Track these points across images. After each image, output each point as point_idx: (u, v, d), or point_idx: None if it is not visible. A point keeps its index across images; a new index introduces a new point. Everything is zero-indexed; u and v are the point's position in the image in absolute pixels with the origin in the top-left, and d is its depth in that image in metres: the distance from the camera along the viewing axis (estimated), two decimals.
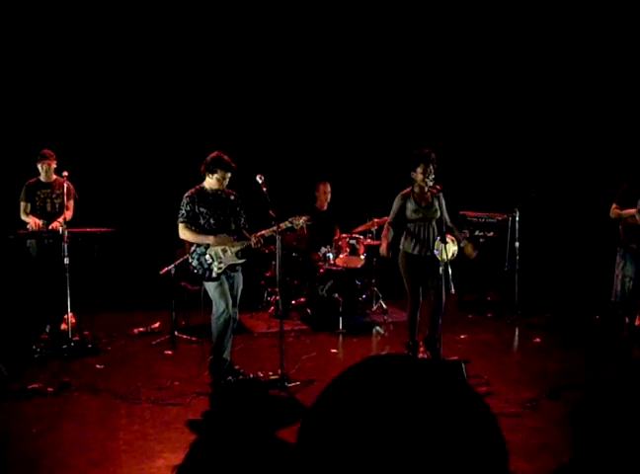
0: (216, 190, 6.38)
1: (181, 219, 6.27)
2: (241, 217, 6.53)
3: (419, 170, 6.92)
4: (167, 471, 4.54)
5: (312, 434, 0.87)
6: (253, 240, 6.29)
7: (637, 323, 8.17)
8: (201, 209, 6.29)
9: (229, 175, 6.32)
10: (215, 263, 6.22)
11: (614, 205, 8.05)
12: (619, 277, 8.07)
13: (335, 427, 0.84)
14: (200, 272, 6.26)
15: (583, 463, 2.12)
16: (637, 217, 7.81)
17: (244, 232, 6.48)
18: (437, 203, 6.98)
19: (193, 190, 6.36)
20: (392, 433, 0.82)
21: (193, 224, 6.26)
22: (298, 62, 10.68)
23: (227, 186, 6.43)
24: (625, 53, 10.59)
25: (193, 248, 6.35)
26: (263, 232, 6.34)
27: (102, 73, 9.80)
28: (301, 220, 6.49)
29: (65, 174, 7.29)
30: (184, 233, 6.30)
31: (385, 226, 7.21)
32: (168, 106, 10.13)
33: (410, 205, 6.99)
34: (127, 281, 9.51)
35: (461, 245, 7.09)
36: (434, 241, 6.92)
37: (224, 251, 6.26)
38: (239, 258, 6.37)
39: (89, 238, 7.59)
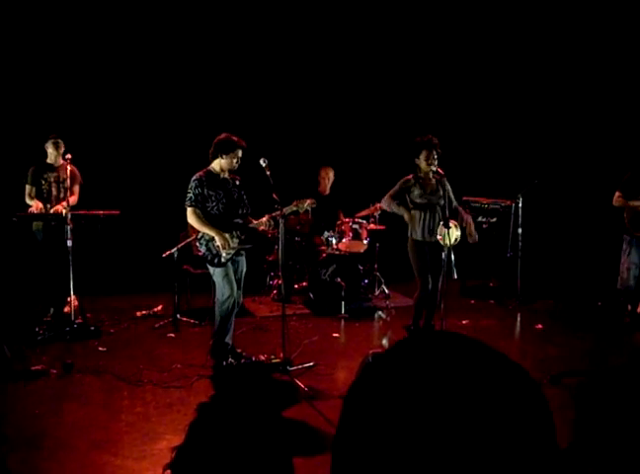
0: (224, 174, 6.35)
1: (188, 203, 6.19)
2: (246, 202, 6.53)
3: (422, 156, 6.94)
4: (169, 453, 4.51)
5: (356, 419, 0.86)
6: (265, 221, 6.29)
7: (639, 310, 8.18)
8: (210, 192, 6.23)
9: (241, 153, 6.29)
10: (223, 249, 6.21)
11: (618, 193, 8.04)
12: (625, 265, 8.07)
13: (378, 412, 0.83)
14: (209, 257, 6.23)
15: (581, 449, 2.13)
16: None
17: (249, 218, 6.48)
18: (441, 189, 6.98)
19: (201, 172, 6.29)
20: (442, 416, 0.81)
21: (200, 208, 6.20)
22: (302, 48, 10.64)
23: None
24: (627, 43, 10.55)
25: (200, 234, 6.31)
26: (271, 215, 6.33)
27: (108, 58, 9.78)
28: (306, 204, 6.48)
29: (69, 156, 7.23)
30: (191, 218, 6.22)
31: (386, 200, 7.17)
32: (173, 90, 10.11)
33: (415, 191, 7.00)
34: (131, 264, 9.52)
35: (463, 225, 7.09)
36: (437, 226, 6.94)
37: (232, 237, 6.25)
38: (245, 243, 6.37)
39: (93, 220, 7.59)
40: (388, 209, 7.20)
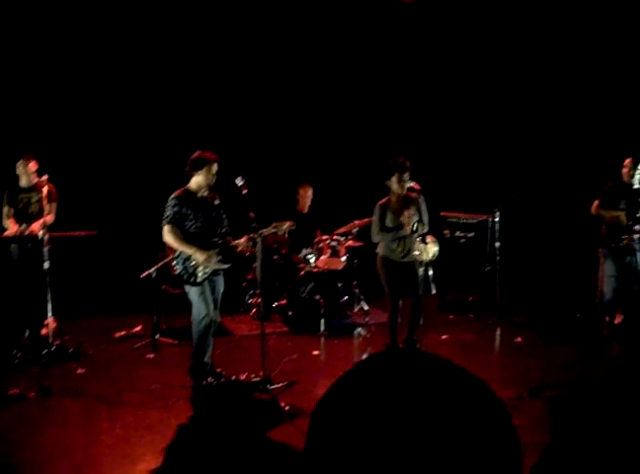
0: (203, 192, 6.36)
1: (166, 221, 6.18)
2: (224, 221, 6.53)
3: (394, 179, 7.10)
4: None
5: (321, 438, 0.88)
6: (244, 242, 6.30)
7: (617, 321, 8.26)
8: (188, 211, 6.22)
9: (216, 167, 6.30)
10: (200, 268, 6.20)
11: (597, 202, 8.16)
12: (604, 279, 8.16)
13: (344, 427, 0.85)
14: (186, 276, 6.22)
15: (554, 460, 2.16)
16: (622, 219, 7.93)
17: (228, 237, 6.48)
18: (413, 208, 7.07)
19: (179, 191, 6.30)
20: (405, 431, 0.83)
21: (178, 227, 6.19)
22: (279, 67, 10.71)
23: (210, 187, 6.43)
24: (603, 55, 10.68)
25: (177, 252, 6.28)
26: (249, 236, 6.33)
27: (83, 76, 9.77)
28: (285, 226, 6.52)
29: (45, 177, 7.21)
30: (168, 237, 6.19)
31: (376, 235, 7.22)
32: (150, 110, 10.11)
33: (388, 214, 7.11)
34: (109, 285, 9.48)
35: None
36: (412, 248, 7.00)
37: (210, 256, 6.24)
38: (224, 263, 6.37)
39: (71, 242, 7.56)
40: (384, 241, 7.24)
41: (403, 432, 0.87)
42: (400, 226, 7.04)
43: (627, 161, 8.09)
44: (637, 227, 7.93)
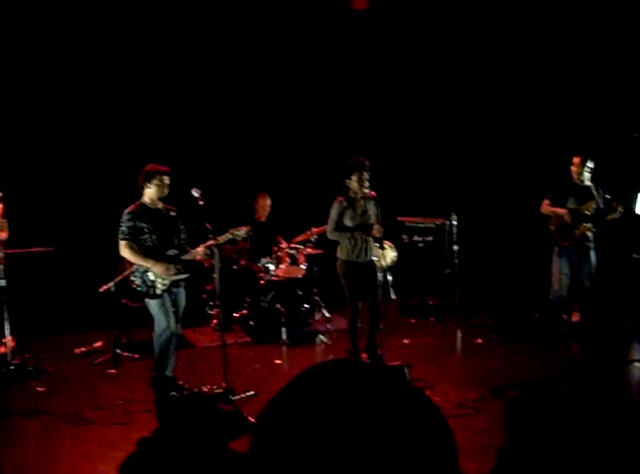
0: (157, 205, 6.35)
1: (121, 237, 6.16)
2: (181, 233, 6.52)
3: (354, 178, 7.05)
4: None
5: (262, 444, 0.90)
6: (200, 251, 6.28)
7: (574, 319, 8.39)
8: (142, 224, 6.21)
9: (167, 179, 6.30)
10: (159, 280, 6.18)
11: (546, 202, 8.28)
12: (556, 276, 8.28)
13: (284, 436, 0.87)
14: (144, 290, 6.20)
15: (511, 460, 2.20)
16: (566, 218, 8.06)
17: (186, 247, 6.46)
18: (371, 211, 7.09)
19: (133, 206, 6.29)
20: (341, 437, 0.85)
21: (134, 241, 6.17)
22: (232, 75, 10.70)
23: (165, 199, 6.41)
24: (549, 57, 10.86)
25: (135, 266, 6.26)
26: (206, 244, 6.32)
27: (35, 90, 9.65)
28: (242, 231, 6.49)
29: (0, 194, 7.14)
30: (125, 251, 6.17)
31: (332, 232, 7.20)
32: (104, 124, 10.04)
33: (347, 213, 7.09)
34: (68, 301, 9.37)
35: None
36: (371, 247, 7.04)
37: (168, 268, 6.22)
38: (182, 273, 6.36)
39: (27, 258, 7.47)
40: (339, 239, 7.24)
41: (340, 437, 0.90)
42: (359, 227, 7.03)
43: (576, 159, 8.23)
44: (587, 224, 8.06)
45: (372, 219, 7.07)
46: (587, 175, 8.20)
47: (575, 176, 8.23)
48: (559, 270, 8.22)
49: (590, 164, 8.17)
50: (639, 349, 8.11)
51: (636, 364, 7.29)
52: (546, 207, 8.28)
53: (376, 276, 6.95)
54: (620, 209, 7.97)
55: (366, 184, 7.03)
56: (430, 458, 0.86)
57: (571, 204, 8.14)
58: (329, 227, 7.20)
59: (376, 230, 6.94)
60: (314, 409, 0.86)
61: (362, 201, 7.17)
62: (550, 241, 8.32)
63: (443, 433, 0.88)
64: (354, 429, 0.83)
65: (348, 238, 7.08)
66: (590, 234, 8.17)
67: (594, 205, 8.08)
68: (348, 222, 7.09)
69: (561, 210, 8.12)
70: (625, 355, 7.70)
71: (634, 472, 2.74)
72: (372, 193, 6.97)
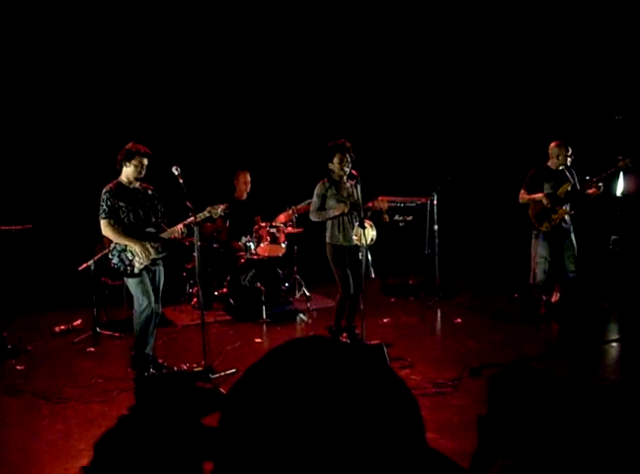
0: (134, 184, 6.31)
1: (103, 215, 6.13)
2: (159, 211, 6.49)
3: (335, 160, 6.99)
4: (91, 469, 4.50)
5: (232, 418, 0.90)
6: (178, 229, 6.26)
7: (553, 300, 8.44)
8: (120, 204, 6.18)
9: (146, 161, 6.25)
10: (137, 258, 6.16)
11: (523, 191, 8.32)
12: (535, 259, 8.32)
13: (255, 410, 0.87)
14: (122, 268, 6.18)
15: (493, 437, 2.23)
16: (544, 202, 8.08)
17: (163, 226, 6.44)
18: (355, 192, 7.02)
19: (111, 184, 6.25)
20: (312, 415, 0.85)
21: (114, 220, 6.16)
22: (214, 53, 10.63)
23: (144, 178, 6.37)
24: (523, 49, 10.90)
25: (113, 244, 6.24)
26: (185, 222, 6.30)
27: (14, 68, 9.56)
28: (219, 209, 6.47)
29: None
30: (107, 230, 6.15)
31: (315, 214, 7.13)
32: (84, 101, 9.97)
33: (332, 196, 7.04)
34: (47, 279, 9.34)
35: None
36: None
37: (146, 247, 6.20)
38: (160, 252, 6.34)
39: (5, 236, 7.43)
40: (323, 219, 7.18)
41: (307, 411, 0.90)
42: (340, 207, 7.00)
43: (553, 144, 8.23)
44: (566, 207, 8.10)
45: (357, 201, 7.01)
46: (569, 158, 8.20)
47: (553, 160, 8.22)
48: (539, 253, 8.26)
49: (569, 149, 8.18)
50: (617, 329, 8.19)
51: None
52: (524, 196, 8.30)
53: (358, 256, 6.93)
54: (600, 184, 7.97)
55: (349, 165, 6.98)
56: (396, 433, 0.87)
57: (547, 190, 8.16)
58: (311, 208, 7.16)
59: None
60: (285, 383, 0.86)
61: (347, 184, 7.13)
62: (529, 224, 8.35)
63: (410, 409, 0.89)
64: (321, 404, 0.84)
65: (336, 224, 7.04)
66: (568, 217, 8.19)
67: (569, 188, 8.09)
68: (332, 205, 7.04)
69: (538, 196, 8.14)
70: (603, 336, 7.77)
71: (608, 448, 2.78)
72: (354, 171, 6.91)
